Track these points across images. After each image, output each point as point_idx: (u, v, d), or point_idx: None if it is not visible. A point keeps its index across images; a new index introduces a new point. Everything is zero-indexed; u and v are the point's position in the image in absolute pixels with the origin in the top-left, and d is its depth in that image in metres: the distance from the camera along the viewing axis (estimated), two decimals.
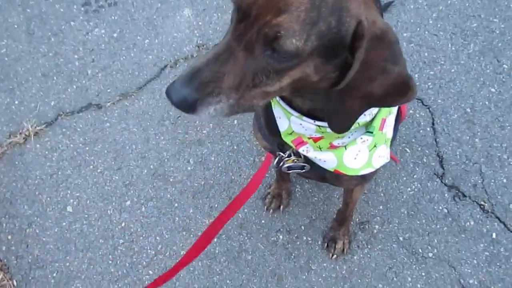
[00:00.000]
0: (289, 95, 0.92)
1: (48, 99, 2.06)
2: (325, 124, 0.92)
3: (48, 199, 1.87)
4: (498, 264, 1.64)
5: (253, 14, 0.72)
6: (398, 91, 0.81)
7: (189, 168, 1.90)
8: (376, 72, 0.77)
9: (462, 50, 1.99)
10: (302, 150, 1.04)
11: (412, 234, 1.71)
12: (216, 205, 1.82)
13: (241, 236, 1.77)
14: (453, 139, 1.83)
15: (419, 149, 1.84)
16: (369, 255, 1.69)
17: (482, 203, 1.72)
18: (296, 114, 0.96)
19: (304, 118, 0.96)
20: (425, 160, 1.82)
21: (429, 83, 1.94)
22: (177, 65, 2.11)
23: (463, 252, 1.66)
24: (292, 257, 1.72)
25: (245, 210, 1.80)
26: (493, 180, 1.75)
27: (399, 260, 1.68)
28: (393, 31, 0.76)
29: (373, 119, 1.00)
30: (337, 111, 0.85)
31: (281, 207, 1.77)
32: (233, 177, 1.87)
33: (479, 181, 1.76)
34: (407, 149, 1.84)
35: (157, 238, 1.79)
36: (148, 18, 2.24)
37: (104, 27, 2.22)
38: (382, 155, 1.05)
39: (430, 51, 2.00)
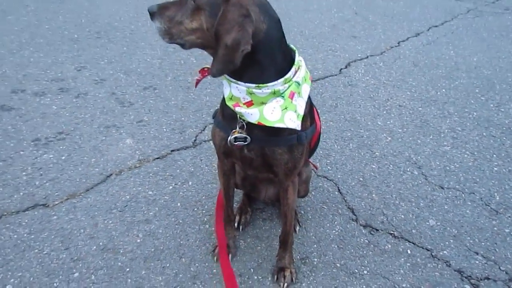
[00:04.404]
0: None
1: None
2: (251, 85, 1.38)
3: None
4: (419, 270, 1.92)
5: None
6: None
7: (138, 241, 2.02)
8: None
9: (345, 147, 2.70)
10: (237, 109, 1.43)
11: (346, 261, 1.95)
12: (167, 265, 1.91)
13: (195, 285, 1.83)
14: (356, 197, 2.32)
15: (333, 205, 2.26)
16: (315, 281, 1.86)
17: (392, 232, 2.10)
18: (234, 80, 1.42)
19: (240, 82, 1.41)
20: (340, 212, 2.22)
21: (328, 167, 2.53)
22: (122, 173, 2.43)
23: (390, 266, 1.93)
24: None
25: (196, 264, 1.91)
26: (394, 218, 2.19)
27: (341, 280, 1.86)
28: None
29: (285, 90, 1.43)
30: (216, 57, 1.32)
31: (230, 256, 1.93)
32: (181, 242, 2.02)
33: (385, 219, 2.18)
34: (324, 207, 2.25)
35: None
36: (94, 146, 2.64)
37: (52, 153, 2.55)
38: (293, 120, 1.40)
39: (324, 151, 2.66)
